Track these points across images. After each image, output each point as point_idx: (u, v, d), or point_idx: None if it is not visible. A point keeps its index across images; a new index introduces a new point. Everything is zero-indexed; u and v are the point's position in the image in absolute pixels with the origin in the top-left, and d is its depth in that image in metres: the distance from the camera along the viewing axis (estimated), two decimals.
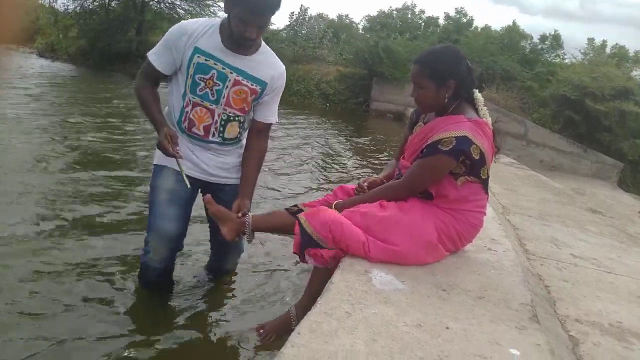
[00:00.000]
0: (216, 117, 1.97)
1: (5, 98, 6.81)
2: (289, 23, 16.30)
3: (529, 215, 3.39)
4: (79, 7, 15.37)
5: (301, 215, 1.80)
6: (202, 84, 1.91)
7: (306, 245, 1.76)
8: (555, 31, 14.07)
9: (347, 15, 20.83)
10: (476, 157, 1.76)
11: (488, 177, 1.88)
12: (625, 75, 9.26)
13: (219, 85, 1.92)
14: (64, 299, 2.11)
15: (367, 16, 20.19)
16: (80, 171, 3.92)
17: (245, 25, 1.78)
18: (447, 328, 1.37)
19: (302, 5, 16.64)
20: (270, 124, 2.11)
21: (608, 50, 12.83)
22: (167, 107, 2.04)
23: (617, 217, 4.47)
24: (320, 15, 17.72)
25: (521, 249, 2.51)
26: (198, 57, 1.88)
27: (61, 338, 1.86)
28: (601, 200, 6.05)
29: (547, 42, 14.05)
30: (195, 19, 1.96)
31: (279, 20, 25.65)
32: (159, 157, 2.01)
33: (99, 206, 3.22)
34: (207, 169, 2.05)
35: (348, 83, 13.16)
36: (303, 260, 1.88)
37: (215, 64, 1.90)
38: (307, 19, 16.40)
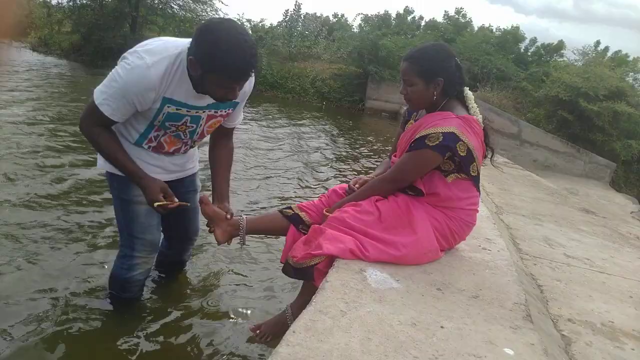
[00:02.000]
0: (188, 144, 1.93)
1: None
2: (283, 19, 16.25)
3: (522, 215, 3.41)
4: (71, 1, 15.23)
5: (288, 259, 1.79)
6: (174, 128, 1.78)
7: (308, 277, 1.76)
8: (559, 41, 14.04)
9: (342, 15, 20.83)
10: (462, 154, 1.77)
11: (478, 174, 1.88)
12: (618, 76, 9.30)
13: (192, 127, 1.82)
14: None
15: (360, 14, 20.16)
16: (73, 170, 3.90)
17: (226, 90, 1.61)
18: (441, 327, 1.38)
19: (296, 2, 16.46)
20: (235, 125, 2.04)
21: (610, 54, 12.89)
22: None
23: (610, 217, 4.50)
24: (315, 16, 17.68)
25: (515, 249, 2.52)
26: (168, 107, 1.69)
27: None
28: (594, 200, 6.10)
29: (547, 48, 14.03)
30: (154, 61, 1.58)
31: (273, 17, 25.54)
32: None
33: (92, 206, 3.21)
34: (173, 169, 1.97)
35: (343, 81, 13.16)
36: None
37: (188, 111, 1.73)
38: (301, 16, 16.36)
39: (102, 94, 1.65)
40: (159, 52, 1.61)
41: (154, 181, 1.77)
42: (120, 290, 2.04)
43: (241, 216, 2.01)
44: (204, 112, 1.78)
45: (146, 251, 1.97)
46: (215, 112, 1.82)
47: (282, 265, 1.89)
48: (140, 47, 1.64)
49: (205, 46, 1.52)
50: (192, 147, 1.99)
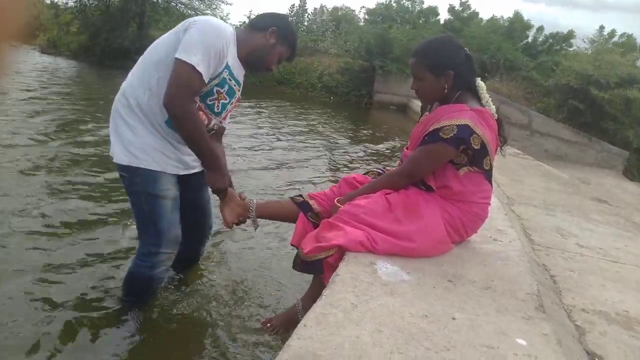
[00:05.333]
0: (209, 125, 1.91)
1: (8, 97, 6.82)
2: (289, 15, 16.22)
3: (534, 206, 3.37)
4: (78, 2, 15.33)
5: (298, 253, 1.80)
6: (215, 95, 1.85)
7: (317, 270, 1.77)
8: (569, 30, 13.87)
9: (348, 8, 20.74)
10: (476, 147, 1.75)
11: (491, 168, 1.87)
12: (629, 62, 9.15)
13: (226, 100, 1.90)
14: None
15: (364, 7, 20.05)
16: (79, 172, 3.93)
17: (278, 63, 1.96)
18: (453, 319, 1.37)
19: None
20: None
21: (616, 38, 12.71)
22: (140, 93, 1.78)
23: (623, 206, 4.45)
24: (322, 8, 17.64)
25: (527, 239, 2.50)
26: (225, 71, 1.81)
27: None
28: (607, 190, 6.02)
29: (556, 37, 13.84)
30: (219, 20, 1.81)
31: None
32: (151, 161, 1.82)
33: (100, 206, 3.23)
34: (189, 162, 1.96)
35: (351, 75, 13.10)
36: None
37: (230, 80, 1.86)
38: (307, 10, 16.34)
39: (193, 54, 1.63)
40: (224, 24, 1.79)
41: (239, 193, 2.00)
42: (140, 291, 2.01)
43: (251, 199, 2.02)
44: (238, 90, 1.93)
45: (172, 247, 1.96)
46: (240, 93, 1.98)
47: (291, 246, 1.94)
48: (200, 17, 1.77)
49: (289, 27, 1.95)
50: (211, 129, 1.96)
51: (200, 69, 1.65)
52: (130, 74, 1.87)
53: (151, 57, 1.82)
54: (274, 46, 1.90)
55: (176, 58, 1.66)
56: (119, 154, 1.82)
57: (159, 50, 1.80)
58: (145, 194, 1.86)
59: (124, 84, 1.87)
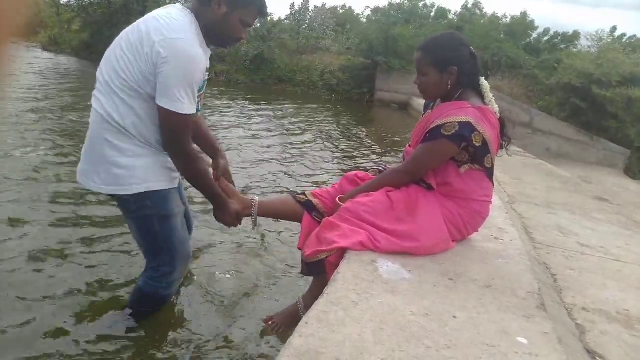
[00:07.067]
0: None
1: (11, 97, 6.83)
2: (290, 13, 16.18)
3: (535, 204, 3.37)
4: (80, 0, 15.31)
5: (303, 255, 1.82)
6: (199, 98, 1.73)
7: (320, 271, 1.77)
8: (574, 31, 13.80)
9: (350, 7, 20.71)
10: (477, 144, 1.75)
11: (493, 165, 1.87)
12: (632, 61, 9.11)
13: (202, 96, 1.78)
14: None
15: (369, 7, 19.93)
16: None
17: (245, 28, 1.71)
18: (454, 317, 1.38)
19: None
20: None
21: (625, 39, 12.67)
22: (127, 120, 1.63)
23: (625, 204, 4.44)
24: (324, 6, 17.61)
25: (528, 238, 2.50)
26: (204, 75, 1.69)
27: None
28: (608, 188, 6.01)
29: (559, 38, 13.78)
30: (191, 37, 1.59)
31: (280, 10, 25.50)
32: (158, 180, 1.71)
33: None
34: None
35: (352, 73, 13.06)
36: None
37: (207, 75, 1.73)
38: (309, 8, 16.28)
39: (179, 102, 1.55)
40: (185, 28, 1.59)
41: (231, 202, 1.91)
42: (150, 307, 1.96)
43: (253, 197, 2.02)
44: (207, 76, 1.75)
45: (185, 263, 1.91)
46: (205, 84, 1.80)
47: (299, 250, 1.92)
48: (165, 30, 1.55)
49: None
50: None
51: (190, 110, 1.59)
52: (100, 96, 1.65)
53: (121, 81, 1.61)
54: (227, 15, 1.65)
55: (162, 107, 1.56)
56: (121, 184, 1.66)
57: (126, 71, 1.59)
58: (158, 217, 1.74)
59: (99, 109, 1.65)
